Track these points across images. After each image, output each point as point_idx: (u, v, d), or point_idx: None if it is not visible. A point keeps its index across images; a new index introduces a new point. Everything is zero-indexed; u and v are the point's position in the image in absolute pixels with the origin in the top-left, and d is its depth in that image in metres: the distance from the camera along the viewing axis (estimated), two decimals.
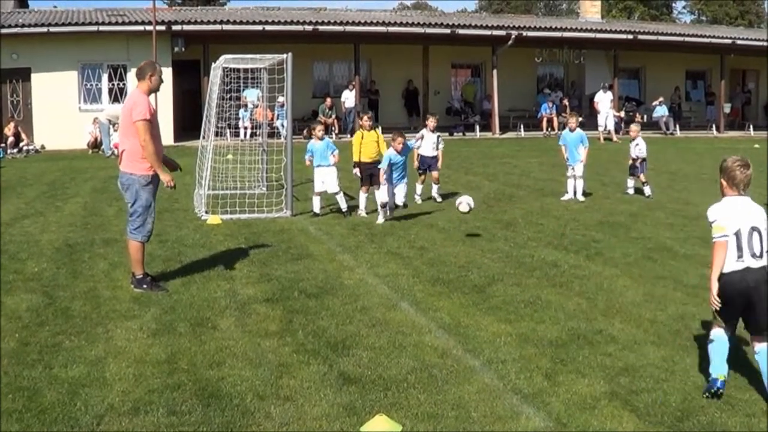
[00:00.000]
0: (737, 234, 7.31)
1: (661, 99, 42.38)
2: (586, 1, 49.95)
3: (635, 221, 16.50)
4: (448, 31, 38.27)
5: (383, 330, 9.16)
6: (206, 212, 16.60)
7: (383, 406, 7.06)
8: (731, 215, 7.38)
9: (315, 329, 9.16)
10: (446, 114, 41.20)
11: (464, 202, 15.31)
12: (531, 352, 8.48)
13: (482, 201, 18.30)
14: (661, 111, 41.93)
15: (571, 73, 46.02)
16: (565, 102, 41.94)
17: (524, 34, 39.23)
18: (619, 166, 19.81)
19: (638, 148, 20.27)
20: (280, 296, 10.59)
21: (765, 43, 44.85)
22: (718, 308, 7.39)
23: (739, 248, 7.30)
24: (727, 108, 45.14)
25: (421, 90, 41.19)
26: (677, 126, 42.99)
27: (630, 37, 41.08)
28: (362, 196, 17.19)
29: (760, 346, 7.40)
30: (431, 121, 19.00)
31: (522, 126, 40.59)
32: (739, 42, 43.93)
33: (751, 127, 44.66)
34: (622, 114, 41.25)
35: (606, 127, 38.26)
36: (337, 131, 36.72)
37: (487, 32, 39.24)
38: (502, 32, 39.13)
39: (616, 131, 38.57)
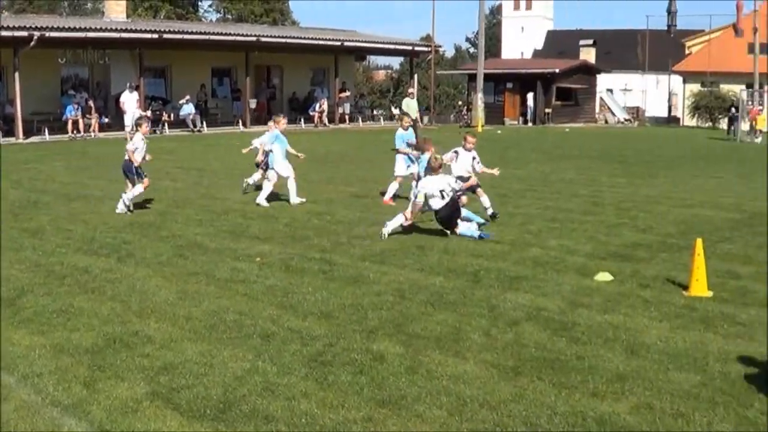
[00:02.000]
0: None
1: (187, 97, 42.81)
2: (110, 0, 49.33)
3: (165, 220, 16.58)
4: None
5: None
6: None
7: None
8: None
9: None
10: None
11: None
12: (67, 362, 8.27)
13: (8, 210, 17.55)
14: (188, 109, 42.38)
15: (97, 74, 45.16)
16: (91, 103, 41.18)
17: (47, 34, 37.87)
18: (147, 166, 19.32)
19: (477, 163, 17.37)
20: None
21: (288, 40, 46.85)
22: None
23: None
24: (252, 103, 46.45)
25: None
26: (204, 123, 43.61)
27: (155, 36, 41.07)
28: None
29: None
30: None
31: (47, 130, 39.12)
32: (263, 39, 45.44)
33: None
34: (149, 113, 41.19)
35: (133, 127, 38.07)
36: None
37: (9, 33, 37.44)
38: (24, 33, 37.50)
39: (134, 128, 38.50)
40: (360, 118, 52.58)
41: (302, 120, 48.16)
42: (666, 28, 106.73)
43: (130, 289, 11.14)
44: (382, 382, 7.76)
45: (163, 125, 41.90)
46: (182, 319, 9.70)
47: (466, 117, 57.48)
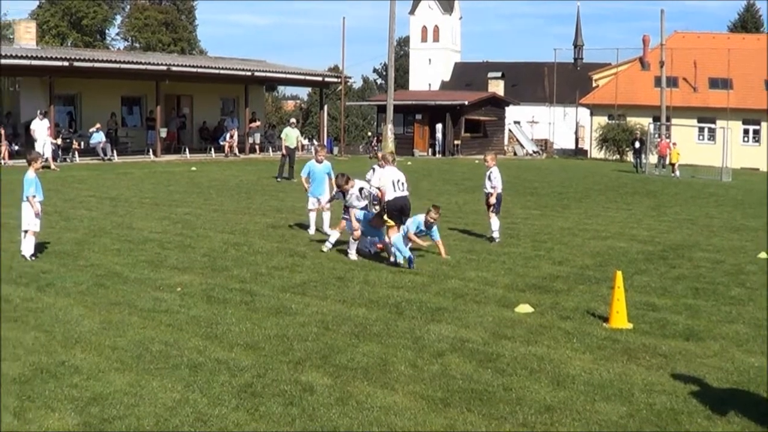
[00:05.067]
0: (394, 182, 15.73)
1: (98, 125, 42.32)
2: (20, 26, 48.81)
3: (81, 249, 16.32)
4: None
5: None
6: None
7: None
8: (388, 175, 15.97)
9: None
10: None
11: None
12: None
13: None
14: (98, 137, 41.91)
15: (6, 101, 44.51)
16: (1, 131, 40.48)
17: None
18: (60, 194, 19.08)
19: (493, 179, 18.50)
20: None
21: (199, 70, 46.70)
22: (391, 218, 15.59)
23: (396, 187, 15.72)
24: (163, 132, 46.10)
25: None
26: (115, 152, 43.13)
27: (66, 64, 40.59)
28: None
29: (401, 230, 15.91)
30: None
31: None
32: (174, 68, 45.20)
33: (187, 150, 46.16)
34: (60, 141, 40.65)
35: (44, 155, 37.47)
36: None
37: None
38: None
39: (54, 158, 37.90)
40: (270, 148, 52.48)
41: (212, 150, 48.03)
42: (573, 61, 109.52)
43: (53, 319, 10.99)
44: (313, 413, 7.78)
45: (74, 153, 41.35)
46: (108, 349, 9.62)
47: (375, 148, 57.78)
